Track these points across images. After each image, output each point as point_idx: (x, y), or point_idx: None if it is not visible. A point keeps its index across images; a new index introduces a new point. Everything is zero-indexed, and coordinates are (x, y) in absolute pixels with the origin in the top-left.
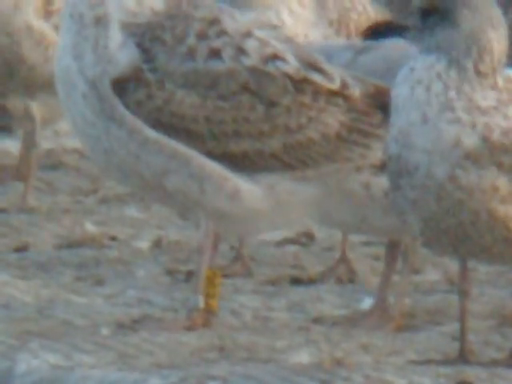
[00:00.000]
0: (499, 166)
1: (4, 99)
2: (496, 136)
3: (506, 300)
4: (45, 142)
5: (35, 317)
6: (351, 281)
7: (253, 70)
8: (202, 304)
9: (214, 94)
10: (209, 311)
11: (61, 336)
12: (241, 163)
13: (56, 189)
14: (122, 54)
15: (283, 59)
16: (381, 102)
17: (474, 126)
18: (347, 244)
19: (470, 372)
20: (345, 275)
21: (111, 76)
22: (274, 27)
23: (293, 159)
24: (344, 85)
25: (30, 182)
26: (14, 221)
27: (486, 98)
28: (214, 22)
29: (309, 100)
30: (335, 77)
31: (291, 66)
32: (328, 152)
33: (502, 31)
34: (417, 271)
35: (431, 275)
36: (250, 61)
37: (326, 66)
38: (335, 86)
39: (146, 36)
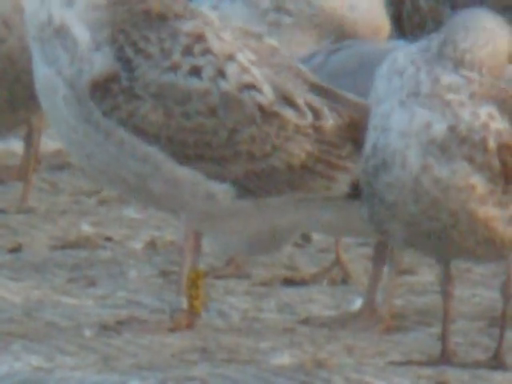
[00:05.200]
0: (470, 160)
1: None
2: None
3: (497, 301)
4: (51, 143)
5: (21, 318)
6: (344, 282)
7: (225, 95)
8: (184, 305)
9: (180, 110)
10: (193, 313)
11: (44, 338)
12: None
13: (59, 189)
14: (98, 58)
15: (259, 90)
16: (354, 134)
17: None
18: (341, 246)
19: (451, 373)
20: (338, 277)
21: (87, 76)
22: (259, 37)
23: (255, 186)
24: (317, 116)
25: (30, 183)
26: (11, 221)
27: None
28: (200, 38)
29: (275, 131)
30: (307, 112)
31: (266, 97)
32: (291, 181)
33: None
34: (411, 272)
35: (425, 276)
36: (227, 85)
37: (300, 100)
38: (306, 122)
39: (129, 48)
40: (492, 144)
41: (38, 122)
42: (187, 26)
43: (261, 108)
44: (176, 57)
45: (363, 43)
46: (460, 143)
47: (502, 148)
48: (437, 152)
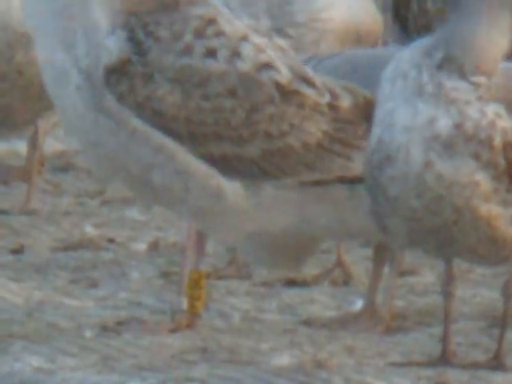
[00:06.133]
0: (476, 157)
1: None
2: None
3: (498, 301)
4: (56, 144)
5: (22, 319)
6: (346, 283)
7: (244, 76)
8: (184, 306)
9: (199, 92)
10: (193, 313)
11: (45, 339)
12: (220, 167)
13: (63, 191)
14: (112, 43)
15: (277, 69)
16: (369, 113)
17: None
18: (343, 247)
19: (452, 374)
20: (340, 278)
21: (104, 63)
22: (268, 34)
23: (271, 166)
24: (333, 96)
25: (34, 184)
26: (13, 223)
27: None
28: (211, 21)
29: (294, 109)
30: (325, 91)
31: (284, 76)
32: (308, 161)
33: None
34: (412, 272)
35: (426, 276)
36: (244, 66)
37: (317, 80)
38: (325, 100)
39: (140, 30)
40: (498, 142)
41: (44, 123)
42: (199, 10)
43: (280, 87)
44: (188, 38)
45: (356, 49)
46: (466, 141)
47: (508, 146)
48: (440, 148)
